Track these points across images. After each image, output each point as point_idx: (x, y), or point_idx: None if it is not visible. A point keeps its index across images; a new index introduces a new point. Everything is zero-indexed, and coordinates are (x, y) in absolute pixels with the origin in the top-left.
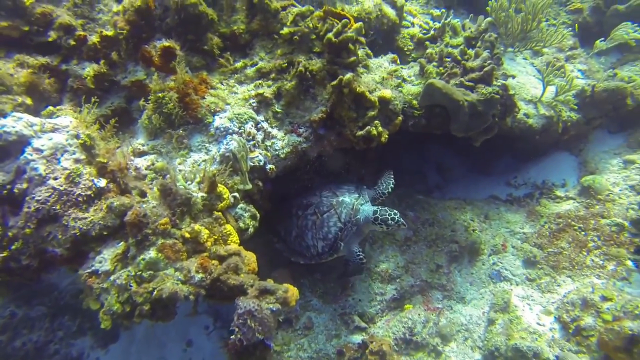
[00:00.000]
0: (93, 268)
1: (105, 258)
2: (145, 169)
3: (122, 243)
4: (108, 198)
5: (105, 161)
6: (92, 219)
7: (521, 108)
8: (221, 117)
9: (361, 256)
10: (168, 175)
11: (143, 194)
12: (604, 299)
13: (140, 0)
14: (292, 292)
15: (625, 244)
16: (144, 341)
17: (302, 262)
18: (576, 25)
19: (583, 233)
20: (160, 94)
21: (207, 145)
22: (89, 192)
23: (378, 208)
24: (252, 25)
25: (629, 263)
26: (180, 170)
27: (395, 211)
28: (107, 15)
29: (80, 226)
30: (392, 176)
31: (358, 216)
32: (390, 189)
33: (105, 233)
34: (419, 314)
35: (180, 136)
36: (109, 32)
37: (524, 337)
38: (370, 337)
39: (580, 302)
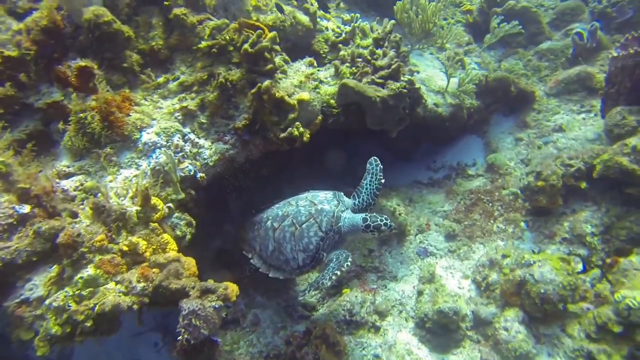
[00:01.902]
0: (22, 297)
1: (37, 284)
2: (74, 190)
3: (55, 266)
4: (34, 223)
5: (27, 186)
6: (17, 247)
7: (428, 99)
8: (148, 133)
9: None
10: (99, 194)
11: (74, 215)
12: (504, 256)
13: (47, 19)
14: (232, 288)
15: (519, 209)
16: None
17: (282, 278)
18: (469, 17)
19: (490, 204)
20: (81, 115)
21: (136, 160)
22: (10, 220)
23: (367, 215)
24: (170, 40)
25: (522, 224)
26: (112, 188)
27: (384, 216)
28: (6, 34)
29: (3, 256)
30: (379, 181)
31: (340, 224)
32: (374, 200)
33: (34, 259)
34: (356, 296)
35: (108, 154)
36: (12, 53)
37: (447, 301)
38: (313, 324)
39: (488, 263)
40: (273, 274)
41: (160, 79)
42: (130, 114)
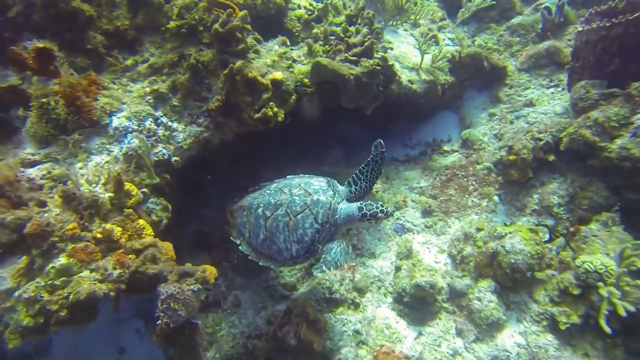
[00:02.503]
0: None
1: (5, 276)
2: (41, 179)
3: (24, 257)
4: None
5: None
6: None
7: (401, 76)
8: (119, 117)
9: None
10: (69, 182)
11: (43, 204)
12: (478, 230)
13: None
14: (210, 271)
15: (493, 183)
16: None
17: (273, 267)
18: None
19: (465, 179)
20: (44, 100)
21: (107, 146)
22: None
23: (362, 204)
24: (137, 20)
25: (496, 198)
26: (82, 175)
27: (379, 202)
28: None
29: None
30: (380, 169)
31: (336, 216)
32: (371, 188)
33: None
34: (335, 274)
35: (77, 140)
36: None
37: (424, 275)
38: (293, 302)
39: (463, 236)
40: (263, 262)
41: (129, 62)
42: (98, 98)
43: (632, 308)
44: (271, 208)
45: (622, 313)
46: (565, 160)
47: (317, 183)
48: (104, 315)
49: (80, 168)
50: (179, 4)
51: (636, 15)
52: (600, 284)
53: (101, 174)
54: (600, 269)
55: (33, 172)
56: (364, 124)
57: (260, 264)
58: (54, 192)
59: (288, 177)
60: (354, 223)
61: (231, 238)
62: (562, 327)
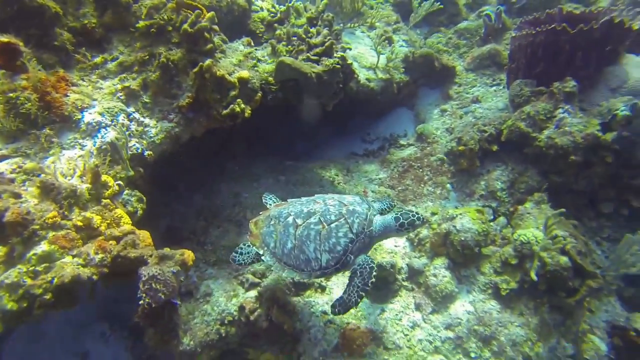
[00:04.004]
0: None
1: None
2: (11, 173)
3: (1, 246)
4: None
5: None
6: None
7: (360, 75)
8: (90, 113)
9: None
10: (42, 175)
11: (17, 196)
12: (433, 214)
13: None
14: (188, 254)
15: (445, 172)
16: None
17: (298, 278)
18: None
19: (420, 170)
20: (11, 94)
21: (80, 141)
22: None
23: (397, 214)
24: (104, 19)
25: (448, 186)
26: (56, 168)
27: (413, 210)
28: None
29: None
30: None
31: (372, 227)
32: (392, 203)
33: None
34: None
35: (48, 135)
36: None
37: (384, 257)
38: (263, 288)
39: None
40: (288, 273)
41: (98, 59)
42: (68, 94)
43: (555, 259)
44: (303, 216)
45: (549, 263)
46: (507, 149)
47: (351, 197)
48: (62, 321)
49: (53, 162)
50: (147, 4)
51: (552, 26)
52: (535, 247)
53: (76, 167)
54: (532, 239)
55: (2, 166)
56: (326, 122)
57: (284, 275)
58: (28, 184)
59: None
60: (391, 234)
61: (254, 248)
62: (503, 293)
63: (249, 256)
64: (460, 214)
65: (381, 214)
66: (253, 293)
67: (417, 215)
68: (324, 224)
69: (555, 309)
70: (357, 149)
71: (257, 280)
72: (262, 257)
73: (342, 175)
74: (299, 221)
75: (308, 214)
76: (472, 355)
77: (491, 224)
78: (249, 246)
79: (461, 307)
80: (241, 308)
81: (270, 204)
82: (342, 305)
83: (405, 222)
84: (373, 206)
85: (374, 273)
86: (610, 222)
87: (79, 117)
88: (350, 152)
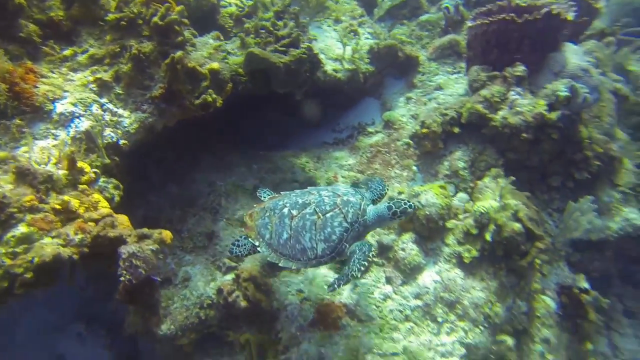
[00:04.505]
0: None
1: None
2: None
3: None
4: None
5: None
6: None
7: (327, 66)
8: (63, 104)
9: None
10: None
11: None
12: (400, 193)
13: None
14: (165, 233)
15: (411, 156)
16: None
17: (295, 268)
18: None
19: (388, 154)
20: None
21: (53, 131)
22: None
23: (390, 203)
24: (72, 12)
25: (414, 168)
26: (29, 157)
27: (405, 199)
28: None
29: None
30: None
31: (366, 217)
32: (385, 189)
33: None
34: None
35: (19, 125)
36: None
37: None
38: (240, 270)
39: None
40: (284, 263)
41: (67, 52)
42: (38, 85)
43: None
44: (298, 207)
45: (504, 228)
46: (467, 131)
47: (344, 188)
48: (35, 325)
49: (26, 152)
50: None
51: (502, 17)
52: (491, 214)
53: (50, 155)
54: (489, 209)
55: None
56: (297, 115)
57: (280, 265)
58: (1, 172)
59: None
60: (384, 222)
61: (249, 240)
62: (466, 261)
63: (245, 248)
64: (425, 190)
65: (374, 202)
66: (230, 276)
67: (408, 203)
68: (319, 214)
69: (511, 272)
70: (327, 138)
71: (234, 264)
72: (258, 248)
73: (313, 162)
74: (295, 212)
75: (303, 204)
76: (439, 320)
77: (453, 198)
78: (245, 238)
79: (428, 277)
80: (219, 291)
81: (265, 197)
82: (342, 279)
83: (398, 210)
84: (366, 196)
85: (372, 250)
86: (559, 194)
87: (51, 107)
88: (321, 141)
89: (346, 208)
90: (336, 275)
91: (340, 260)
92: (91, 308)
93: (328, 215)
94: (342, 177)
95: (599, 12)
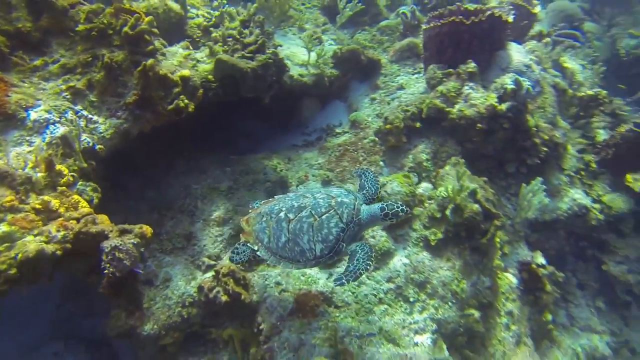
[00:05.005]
0: None
1: None
2: None
3: None
4: None
5: None
6: None
7: (294, 71)
8: (36, 111)
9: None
10: None
11: None
12: None
13: None
14: (146, 228)
15: (378, 152)
16: None
17: (295, 269)
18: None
19: (355, 152)
20: None
21: (27, 138)
22: None
23: (383, 204)
24: (40, 23)
25: (381, 163)
26: (6, 163)
27: (398, 202)
28: None
29: None
30: (376, 178)
31: (360, 216)
32: (378, 190)
33: None
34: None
35: None
36: None
37: None
38: (220, 266)
39: None
40: (284, 266)
41: (37, 62)
42: (9, 94)
43: (469, 208)
44: (294, 211)
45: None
46: (428, 125)
47: (337, 190)
48: (8, 346)
49: (0, 158)
50: (85, 9)
51: (452, 19)
52: (451, 194)
53: (26, 160)
54: (450, 192)
55: None
56: (266, 120)
57: (280, 267)
58: None
59: (302, 189)
60: (377, 222)
61: (248, 245)
62: (432, 244)
63: (245, 254)
64: (390, 180)
65: (367, 203)
66: (210, 274)
67: (401, 207)
68: (315, 216)
69: (474, 251)
70: (297, 141)
71: (212, 262)
72: (257, 252)
73: (284, 163)
74: (291, 215)
75: (299, 208)
76: (411, 299)
77: (418, 187)
78: (243, 244)
79: (399, 261)
80: (200, 288)
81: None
82: (351, 274)
83: (390, 212)
84: (359, 197)
85: (372, 252)
86: (514, 180)
87: (24, 115)
88: (291, 144)
89: (341, 209)
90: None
91: (338, 259)
92: (69, 325)
93: (324, 217)
94: (313, 175)
95: (537, 17)
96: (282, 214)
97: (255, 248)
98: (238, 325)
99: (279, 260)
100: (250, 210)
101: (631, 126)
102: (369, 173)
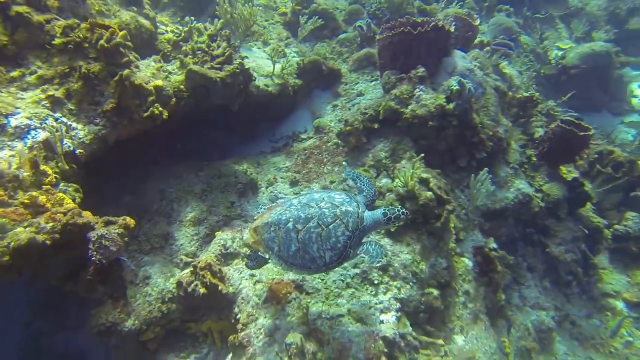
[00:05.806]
0: None
1: None
2: None
3: None
4: None
5: None
6: None
7: (260, 82)
8: (17, 118)
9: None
10: None
11: None
12: (331, 182)
13: None
14: (129, 219)
15: (341, 153)
16: None
17: (307, 275)
18: (285, 17)
19: (320, 155)
20: None
21: (9, 143)
22: None
23: (385, 209)
24: (16, 37)
25: (344, 163)
26: None
27: (398, 206)
28: None
29: None
30: (370, 180)
31: (364, 223)
32: (376, 192)
33: None
34: (227, 234)
35: None
36: None
37: None
38: (197, 261)
39: (322, 188)
40: (296, 272)
41: (15, 73)
42: None
43: (423, 195)
44: (302, 222)
45: (422, 195)
46: (385, 126)
47: (339, 196)
48: None
49: None
50: (61, 24)
51: (401, 29)
52: (405, 180)
53: (10, 162)
54: (403, 179)
55: None
56: (235, 131)
57: (292, 274)
58: None
59: (305, 193)
60: (380, 226)
61: (259, 253)
62: (393, 230)
63: (258, 262)
64: None
65: (367, 206)
66: (189, 270)
67: (401, 211)
68: (323, 226)
69: (431, 235)
70: (264, 148)
71: (190, 260)
72: (269, 260)
73: (253, 167)
74: (299, 226)
75: (306, 219)
76: (376, 282)
77: (378, 182)
78: (255, 252)
79: None
80: (179, 284)
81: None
82: (380, 255)
83: (392, 216)
84: (359, 202)
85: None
86: (466, 172)
87: (5, 122)
88: (259, 151)
89: (346, 218)
90: None
91: (348, 263)
92: (38, 343)
93: (331, 226)
94: (281, 177)
95: (479, 29)
96: (290, 225)
97: (267, 256)
98: (216, 318)
99: (291, 267)
100: (255, 218)
101: (558, 122)
102: (362, 176)
